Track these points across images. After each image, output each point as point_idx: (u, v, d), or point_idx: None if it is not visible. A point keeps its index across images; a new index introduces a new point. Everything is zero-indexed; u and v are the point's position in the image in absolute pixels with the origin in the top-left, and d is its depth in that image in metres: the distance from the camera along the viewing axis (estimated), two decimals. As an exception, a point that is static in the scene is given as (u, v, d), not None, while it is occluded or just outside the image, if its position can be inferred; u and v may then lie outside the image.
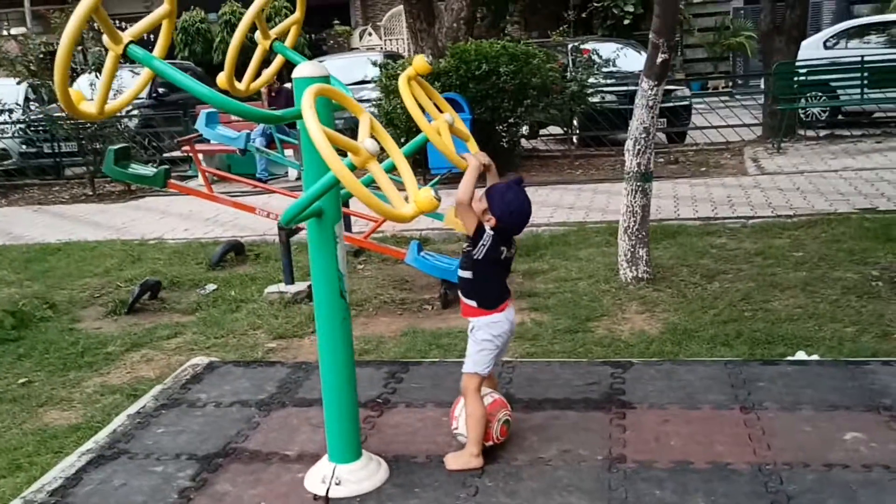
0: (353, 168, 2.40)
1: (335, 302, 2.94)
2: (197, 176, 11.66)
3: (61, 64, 2.24)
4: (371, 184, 2.87)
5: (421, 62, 3.06)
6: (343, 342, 2.99)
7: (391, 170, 2.81)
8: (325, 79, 2.68)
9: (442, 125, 3.06)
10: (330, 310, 2.94)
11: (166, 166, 5.86)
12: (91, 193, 11.65)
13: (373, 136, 2.46)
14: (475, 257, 3.05)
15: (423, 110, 3.08)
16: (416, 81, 3.12)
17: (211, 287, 6.49)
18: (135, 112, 12.77)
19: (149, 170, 5.95)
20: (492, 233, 3.01)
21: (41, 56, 12.69)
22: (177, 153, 12.70)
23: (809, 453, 3.03)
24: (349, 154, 2.40)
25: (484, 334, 3.11)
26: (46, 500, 3.09)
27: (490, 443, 3.14)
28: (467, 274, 3.10)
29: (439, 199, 2.36)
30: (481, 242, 3.02)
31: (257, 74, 3.25)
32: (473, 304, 3.12)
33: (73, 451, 3.58)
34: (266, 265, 7.08)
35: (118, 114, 11.98)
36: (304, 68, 2.74)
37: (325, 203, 2.81)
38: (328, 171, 2.64)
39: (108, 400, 4.44)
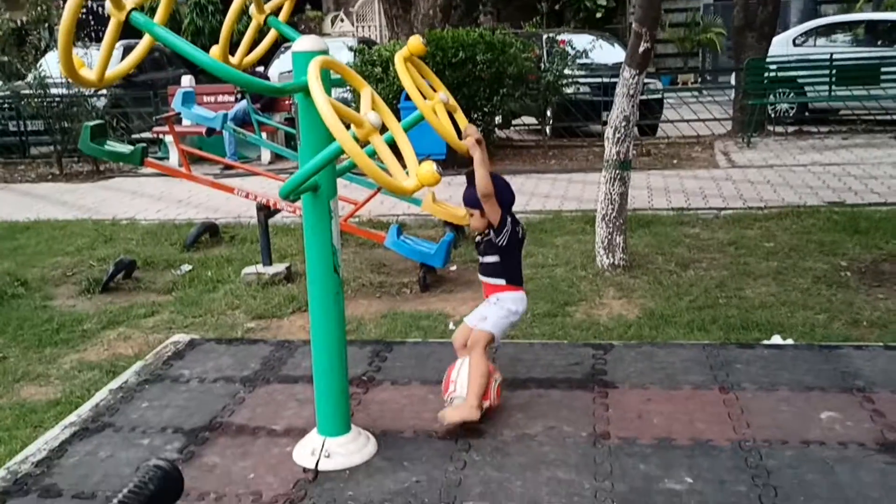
0: (356, 140, 2.42)
1: (329, 277, 2.96)
2: (168, 158, 11.55)
3: (66, 31, 2.23)
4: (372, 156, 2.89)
5: (416, 42, 3.08)
6: (335, 317, 3.01)
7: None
8: (325, 52, 2.69)
9: (437, 105, 3.09)
10: (323, 284, 2.96)
11: (143, 144, 5.78)
12: (58, 173, 11.45)
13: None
14: (500, 244, 3.26)
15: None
16: (411, 61, 3.14)
17: (186, 268, 6.45)
18: (104, 91, 12.55)
19: (126, 147, 5.88)
20: (510, 221, 3.24)
21: (8, 32, 12.41)
22: (146, 134, 12.54)
23: (787, 431, 3.13)
24: (352, 126, 2.41)
25: (512, 305, 3.33)
26: (32, 471, 3.07)
27: (487, 402, 3.26)
28: (493, 258, 3.32)
29: (441, 174, 2.40)
30: (505, 230, 3.24)
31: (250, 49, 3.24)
32: (502, 282, 3.34)
33: (54, 426, 3.56)
34: (242, 247, 7.05)
35: (86, 93, 11.80)
36: (304, 42, 2.74)
37: (321, 178, 2.82)
38: (327, 146, 2.66)
39: (87, 376, 4.41)
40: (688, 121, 12.04)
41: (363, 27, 23.97)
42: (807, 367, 3.70)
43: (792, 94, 12.43)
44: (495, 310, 3.33)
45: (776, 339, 4.25)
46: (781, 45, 13.07)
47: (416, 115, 3.08)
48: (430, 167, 2.37)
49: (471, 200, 3.27)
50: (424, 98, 3.08)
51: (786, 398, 3.39)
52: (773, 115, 12.37)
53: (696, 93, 14.17)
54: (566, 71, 11.24)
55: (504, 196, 3.26)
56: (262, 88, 2.71)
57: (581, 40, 12.19)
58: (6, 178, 11.39)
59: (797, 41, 13.65)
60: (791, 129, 12.20)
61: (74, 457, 3.18)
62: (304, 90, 2.52)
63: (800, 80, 12.30)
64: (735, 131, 11.88)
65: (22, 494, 2.92)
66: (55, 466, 3.10)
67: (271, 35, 3.31)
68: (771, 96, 12.01)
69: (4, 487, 2.97)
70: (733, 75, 12.89)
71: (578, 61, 11.68)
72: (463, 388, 3.22)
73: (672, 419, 3.27)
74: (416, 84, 3.10)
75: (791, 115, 12.84)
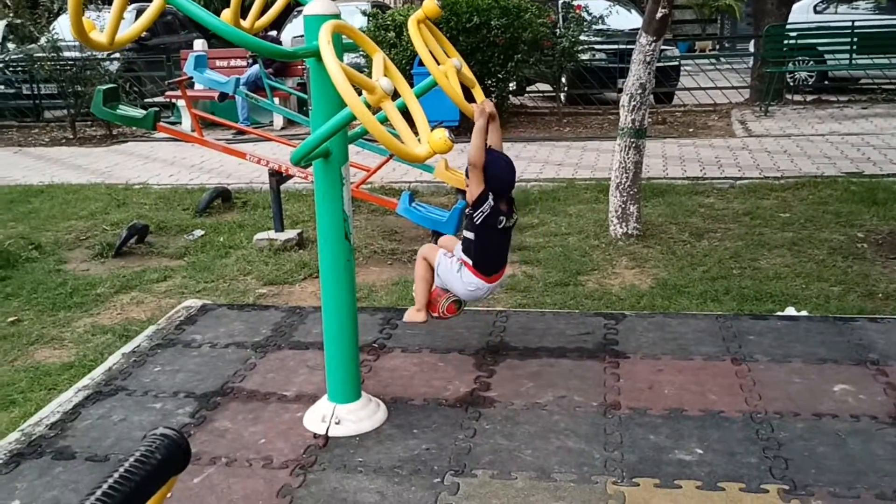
0: (367, 106, 2.38)
1: (340, 243, 2.94)
2: (180, 122, 11.53)
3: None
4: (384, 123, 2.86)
5: (431, 5, 3.02)
6: (346, 283, 3.00)
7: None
8: (337, 16, 2.64)
9: (450, 69, 3.05)
10: (335, 251, 2.95)
11: (156, 108, 5.76)
12: (72, 137, 11.46)
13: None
14: (475, 221, 3.21)
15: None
16: (425, 25, 3.09)
17: (199, 233, 6.46)
18: (117, 55, 12.51)
19: (138, 111, 5.85)
20: (492, 202, 3.16)
21: (21, -6, 12.37)
22: (159, 99, 12.51)
23: (799, 403, 3.11)
24: (364, 92, 2.38)
25: (465, 284, 3.34)
26: (46, 433, 3.10)
27: (436, 314, 3.48)
28: (470, 234, 3.29)
29: (453, 141, 2.36)
30: (481, 209, 3.17)
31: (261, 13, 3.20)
32: (469, 261, 3.32)
33: (68, 388, 3.59)
34: (254, 213, 7.05)
35: (99, 56, 11.77)
36: (315, 6, 2.70)
37: (333, 144, 2.80)
38: (339, 111, 2.63)
39: (100, 339, 4.44)
40: (705, 89, 11.88)
41: (377, -9, 23.68)
42: (821, 339, 3.68)
43: (811, 62, 12.24)
44: (452, 268, 3.38)
45: (790, 311, 4.22)
46: (802, 12, 12.83)
47: (429, 80, 3.04)
48: (442, 134, 2.34)
49: (466, 169, 3.29)
50: (437, 63, 3.03)
51: (799, 370, 3.37)
52: (791, 84, 12.19)
53: (713, 60, 13.98)
54: (582, 37, 11.09)
55: (496, 175, 3.16)
56: (273, 53, 2.67)
57: (597, 6, 12.02)
58: (20, 142, 11.41)
59: (818, 8, 13.40)
60: (810, 97, 12.03)
61: (88, 420, 3.20)
62: (316, 55, 2.49)
63: (820, 48, 12.10)
64: (753, 100, 11.73)
65: (36, 456, 2.95)
66: (69, 429, 3.13)
67: (283, -2, 3.26)
68: (790, 64, 11.82)
69: (19, 449, 3.00)
70: (752, 42, 12.69)
71: (594, 27, 11.53)
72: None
73: (683, 390, 3.26)
74: (430, 49, 3.06)
75: (810, 83, 12.65)
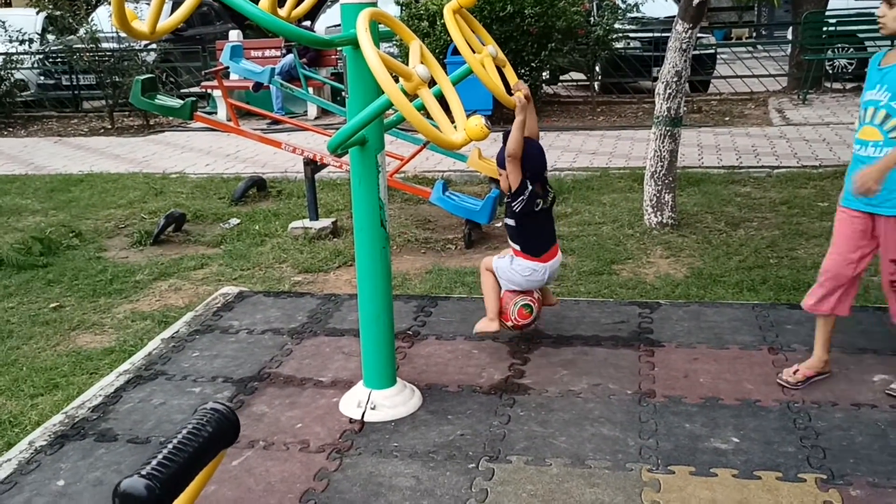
0: (404, 94, 2.40)
1: (376, 231, 2.97)
2: (216, 112, 11.64)
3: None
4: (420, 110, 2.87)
5: (466, -8, 3.02)
6: (382, 270, 3.02)
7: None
8: (374, 4, 2.66)
9: (486, 58, 3.05)
10: (371, 238, 2.97)
11: (193, 98, 5.83)
12: (110, 127, 11.63)
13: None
14: (515, 209, 3.34)
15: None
16: (460, 14, 3.09)
17: (234, 221, 6.53)
18: (154, 46, 12.66)
19: (176, 101, 5.93)
20: (530, 189, 3.27)
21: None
22: (195, 89, 12.64)
23: (837, 393, 3.08)
24: (401, 80, 2.39)
25: (522, 270, 3.43)
26: (88, 416, 3.18)
27: (509, 322, 3.48)
28: (510, 221, 3.44)
29: (489, 128, 2.37)
30: (521, 197, 3.30)
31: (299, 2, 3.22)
32: (517, 247, 3.46)
33: (109, 372, 3.67)
34: (288, 201, 7.10)
35: (137, 47, 11.92)
36: (352, -7, 2.71)
37: (369, 132, 2.82)
38: (375, 99, 2.65)
39: (140, 325, 4.51)
40: (741, 77, 11.72)
41: (410, -19, 23.67)
42: (860, 328, 3.63)
43: (851, 50, 12.01)
44: (506, 262, 3.49)
45: (828, 301, 4.16)
46: (842, -1, 12.59)
47: (465, 69, 3.05)
48: (478, 121, 2.35)
49: (500, 161, 3.37)
50: (473, 51, 3.04)
51: (837, 360, 3.34)
52: (830, 72, 11.98)
53: (750, 48, 13.77)
54: (616, 25, 10.99)
55: (532, 163, 3.30)
56: (312, 41, 2.70)
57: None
58: (60, 132, 11.60)
59: (859, -6, 13.13)
60: (849, 85, 11.81)
61: (129, 403, 3.27)
62: (353, 43, 2.51)
63: (860, 35, 11.86)
64: (790, 88, 11.54)
65: (79, 438, 3.02)
66: (110, 412, 3.20)
67: (319, -13, 3.28)
68: (829, 52, 11.61)
69: (63, 431, 3.07)
70: (790, 30, 12.48)
71: (629, 15, 11.42)
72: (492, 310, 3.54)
73: (719, 379, 3.25)
74: (465, 37, 3.06)
75: (850, 71, 12.41)
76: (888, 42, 11.27)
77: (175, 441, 0.97)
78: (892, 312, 3.14)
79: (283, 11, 3.14)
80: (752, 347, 3.49)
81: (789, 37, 12.42)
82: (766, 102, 10.94)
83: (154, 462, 0.91)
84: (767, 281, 4.67)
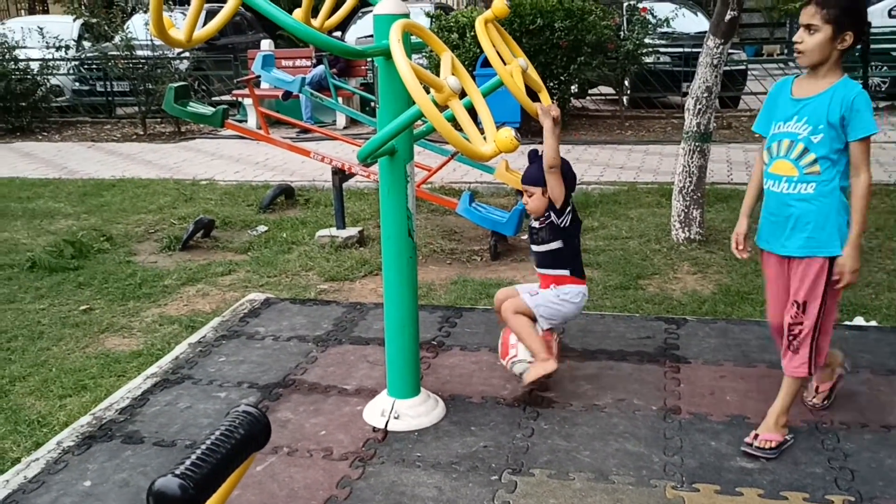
0: (435, 104, 2.41)
1: (403, 240, 2.98)
2: (246, 120, 11.76)
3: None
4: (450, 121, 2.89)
5: (500, 5, 3.04)
6: (408, 280, 3.03)
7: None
8: (406, 16, 2.68)
9: (515, 69, 3.06)
10: (398, 248, 2.98)
11: (224, 106, 5.90)
12: (142, 133, 11.80)
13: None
14: (562, 225, 3.14)
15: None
16: (492, 25, 3.11)
17: (262, 228, 6.59)
18: (187, 54, 12.83)
19: (207, 109, 6.01)
20: (572, 204, 3.16)
21: (96, -6, 12.74)
22: (226, 97, 12.79)
23: (867, 415, 3.04)
24: (432, 91, 2.41)
25: (572, 298, 3.21)
26: (116, 418, 3.21)
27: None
28: (556, 245, 3.18)
29: (519, 140, 2.38)
30: (568, 210, 3.14)
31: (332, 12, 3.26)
32: (566, 272, 3.21)
33: (137, 375, 3.71)
34: (316, 210, 7.15)
35: (170, 55, 12.08)
36: (385, 5, 2.74)
37: (399, 142, 2.83)
38: (405, 110, 2.67)
39: (167, 329, 4.56)
40: (772, 93, 11.62)
41: (440, -7, 23.81)
42: (890, 349, 3.58)
43: (885, 68, 11.88)
44: (549, 296, 3.21)
45: (859, 321, 4.11)
46: (876, 16, 12.49)
47: (495, 80, 3.06)
48: (508, 133, 2.36)
49: (532, 178, 3.13)
50: (503, 63, 3.05)
51: (867, 381, 3.29)
52: (864, 89, 11.86)
53: (781, 64, 13.67)
54: (646, 40, 10.97)
55: (569, 176, 3.14)
56: (345, 51, 2.72)
57: (663, 8, 11.87)
58: (93, 137, 11.79)
59: (893, 12, 13.02)
60: (883, 104, 11.68)
61: (155, 406, 3.30)
62: (385, 53, 2.53)
63: (894, 53, 11.74)
64: (822, 105, 11.43)
65: (106, 439, 3.05)
66: (137, 414, 3.23)
67: (353, -2, 3.32)
68: (863, 70, 11.50)
69: (90, 432, 3.11)
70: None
71: (659, 30, 11.39)
72: (524, 352, 3.21)
73: (746, 397, 3.21)
74: (496, 48, 3.07)
75: (884, 89, 12.28)
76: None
77: (208, 442, 0.98)
78: (784, 362, 2.88)
79: (315, 22, 3.18)
80: (779, 366, 3.41)
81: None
82: (797, 119, 10.84)
83: (188, 462, 0.93)
84: (796, 299, 4.62)
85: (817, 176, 2.73)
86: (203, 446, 0.99)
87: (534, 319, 3.21)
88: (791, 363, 2.85)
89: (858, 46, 11.04)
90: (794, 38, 2.75)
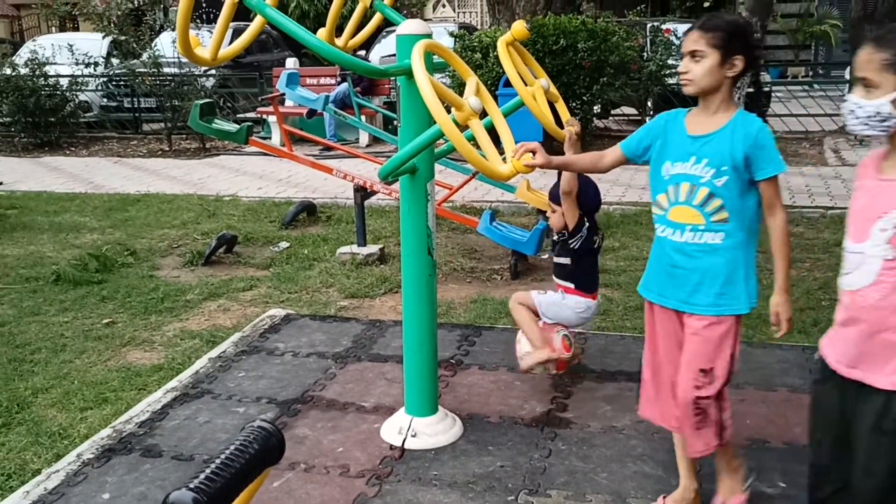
0: (455, 124, 2.43)
1: (423, 258, 2.99)
2: (270, 137, 11.88)
3: (183, 12, 2.33)
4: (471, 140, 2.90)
5: (520, 27, 3.06)
6: (428, 298, 3.04)
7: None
8: (429, 36, 2.71)
9: (538, 91, 3.07)
10: (417, 266, 3.00)
11: (249, 123, 5.97)
12: (168, 149, 11.94)
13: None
14: (573, 247, 3.32)
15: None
16: (514, 47, 3.13)
17: (284, 245, 6.63)
18: (213, 72, 13.00)
19: (232, 126, 6.08)
20: (587, 227, 3.29)
21: (126, 13, 12.97)
22: (251, 114, 12.93)
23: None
24: (452, 110, 2.43)
25: (574, 307, 3.40)
26: (135, 431, 3.24)
27: (555, 354, 3.38)
28: (565, 260, 3.39)
29: (536, 165, 2.39)
30: (579, 235, 3.30)
31: (355, 32, 3.30)
32: (571, 286, 3.41)
33: (157, 389, 3.74)
34: (337, 227, 7.19)
35: (196, 72, 12.25)
36: (408, 25, 2.77)
37: (420, 161, 2.86)
38: (427, 129, 2.69)
39: (188, 344, 4.59)
40: (796, 115, 11.58)
41: (464, 13, 24.04)
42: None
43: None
44: (555, 298, 3.44)
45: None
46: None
47: (516, 101, 3.08)
48: (527, 159, 2.37)
49: (554, 196, 3.34)
50: (525, 84, 3.07)
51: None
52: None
53: (806, 87, 13.61)
54: (670, 61, 10.97)
55: (588, 200, 3.30)
56: (368, 70, 2.75)
57: (686, 29, 11.88)
58: (120, 153, 11.95)
59: None
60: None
61: (175, 420, 3.33)
62: (408, 73, 2.55)
63: (921, 76, 11.64)
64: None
65: (126, 452, 3.07)
66: (157, 428, 3.26)
67: (376, 18, 3.36)
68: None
69: (110, 445, 3.13)
70: (847, 69, 12.31)
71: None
72: (525, 344, 3.40)
73: (766, 421, 3.18)
74: (518, 69, 3.09)
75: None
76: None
77: (222, 457, 0.99)
78: (687, 447, 2.55)
79: (339, 41, 3.22)
80: (801, 391, 3.41)
81: (846, 77, 12.25)
82: (821, 142, 10.78)
83: (202, 476, 0.94)
84: (819, 323, 4.57)
85: (725, 224, 2.44)
86: (217, 461, 1.00)
87: (537, 315, 3.46)
88: (696, 445, 2.49)
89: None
90: (679, 69, 2.48)
